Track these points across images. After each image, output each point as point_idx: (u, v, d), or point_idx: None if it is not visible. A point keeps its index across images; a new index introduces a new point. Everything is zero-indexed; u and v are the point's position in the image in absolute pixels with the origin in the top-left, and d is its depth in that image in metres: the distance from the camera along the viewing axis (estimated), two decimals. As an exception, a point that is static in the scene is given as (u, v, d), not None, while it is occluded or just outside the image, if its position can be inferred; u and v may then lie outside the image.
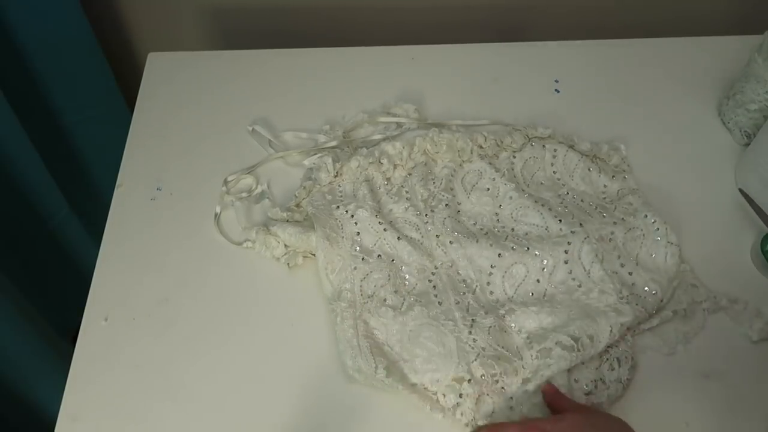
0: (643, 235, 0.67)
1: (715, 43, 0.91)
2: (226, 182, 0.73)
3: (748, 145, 0.78)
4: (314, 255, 0.67)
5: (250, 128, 0.78)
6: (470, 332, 0.61)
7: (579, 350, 0.58)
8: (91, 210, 1.05)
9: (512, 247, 0.66)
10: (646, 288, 0.64)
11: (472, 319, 0.62)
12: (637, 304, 0.62)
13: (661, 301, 0.64)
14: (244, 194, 0.73)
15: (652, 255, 0.66)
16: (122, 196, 0.73)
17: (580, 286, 0.64)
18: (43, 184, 1.00)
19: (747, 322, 0.63)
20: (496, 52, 0.90)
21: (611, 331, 0.59)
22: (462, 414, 0.57)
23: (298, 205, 0.71)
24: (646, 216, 0.68)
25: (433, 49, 0.89)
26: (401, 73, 0.86)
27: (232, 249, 0.69)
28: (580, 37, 0.92)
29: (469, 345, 0.60)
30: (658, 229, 0.67)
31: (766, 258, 0.66)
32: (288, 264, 0.67)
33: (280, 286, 0.66)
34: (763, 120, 0.76)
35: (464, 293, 0.64)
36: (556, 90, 0.85)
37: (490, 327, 0.61)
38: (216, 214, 0.71)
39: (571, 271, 0.65)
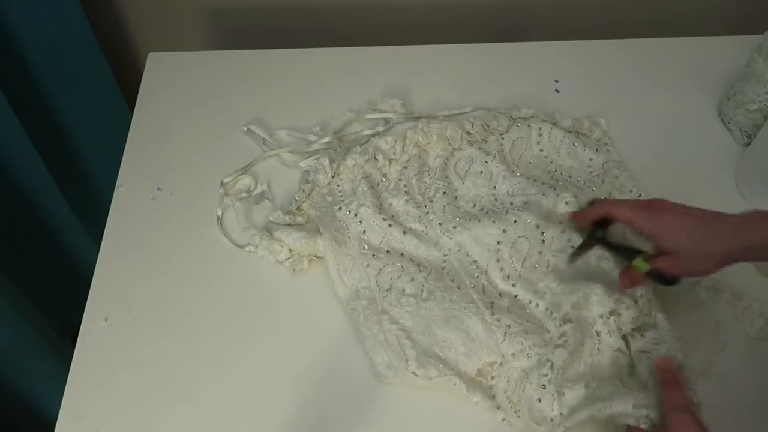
0: None
1: (715, 43, 0.91)
2: (222, 184, 0.73)
3: (748, 145, 0.78)
4: (318, 257, 0.67)
5: (245, 128, 0.78)
6: (492, 312, 0.62)
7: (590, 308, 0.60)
8: (91, 210, 1.05)
9: (514, 221, 0.67)
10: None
11: (491, 302, 0.63)
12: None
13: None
14: (243, 194, 0.73)
15: None
16: (122, 196, 0.73)
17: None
18: (43, 184, 1.00)
19: (747, 320, 0.64)
20: (496, 52, 0.90)
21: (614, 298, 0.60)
22: (493, 397, 0.58)
23: (299, 208, 0.71)
24: (631, 191, 0.71)
25: (432, 49, 0.89)
26: (401, 73, 0.86)
27: (233, 249, 0.69)
28: (580, 37, 0.92)
29: (495, 325, 0.61)
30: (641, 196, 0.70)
31: (766, 258, 0.66)
32: (293, 269, 0.66)
33: (281, 286, 0.66)
34: (763, 120, 0.75)
35: (477, 275, 0.65)
36: (556, 90, 0.85)
37: (509, 306, 0.62)
38: (218, 217, 0.71)
39: (569, 239, 0.66)
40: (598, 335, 0.60)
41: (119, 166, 0.76)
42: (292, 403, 0.59)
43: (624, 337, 0.60)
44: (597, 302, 0.60)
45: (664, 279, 0.57)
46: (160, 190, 0.74)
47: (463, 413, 0.58)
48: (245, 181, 0.75)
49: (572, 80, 0.86)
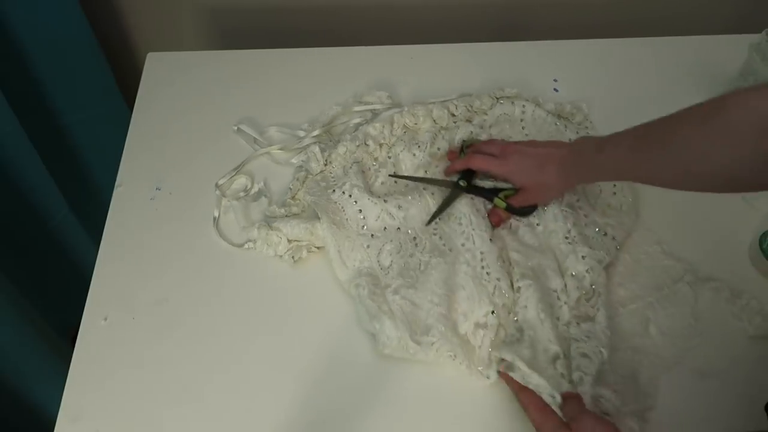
0: (600, 190, 0.72)
1: (714, 42, 0.91)
2: (218, 186, 0.73)
3: (747, 144, 0.78)
4: (318, 248, 0.68)
5: (235, 128, 0.79)
6: (483, 267, 0.64)
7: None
8: (91, 210, 1.05)
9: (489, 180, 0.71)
10: (597, 229, 0.68)
11: (481, 251, 0.65)
12: (584, 246, 0.65)
13: (614, 240, 0.68)
14: (241, 194, 0.73)
15: (608, 204, 0.71)
16: (122, 196, 0.73)
17: (538, 224, 0.69)
18: (43, 184, 1.00)
19: (746, 317, 0.64)
20: (496, 51, 0.90)
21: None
22: (480, 347, 0.61)
23: (294, 198, 0.72)
24: None
25: (432, 49, 0.89)
26: (400, 73, 0.86)
27: (232, 248, 0.69)
28: (580, 36, 0.92)
29: (485, 279, 0.63)
30: (615, 185, 0.72)
31: (764, 256, 0.66)
32: (293, 258, 0.67)
33: (280, 284, 0.66)
34: (761, 119, 0.75)
35: (464, 231, 0.67)
36: (555, 89, 0.85)
37: (498, 257, 0.65)
38: (215, 219, 0.71)
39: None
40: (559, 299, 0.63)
41: (119, 166, 0.76)
42: (292, 402, 0.59)
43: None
44: (552, 276, 0.64)
45: (520, 211, 0.68)
46: (160, 189, 0.74)
47: (465, 405, 0.59)
48: (241, 180, 0.75)
49: (571, 79, 0.86)
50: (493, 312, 0.62)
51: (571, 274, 0.64)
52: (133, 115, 0.81)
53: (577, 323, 0.61)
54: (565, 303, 0.62)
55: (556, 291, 0.63)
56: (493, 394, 0.60)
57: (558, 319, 0.62)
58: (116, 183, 0.74)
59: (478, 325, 0.61)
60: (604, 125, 0.80)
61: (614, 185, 0.72)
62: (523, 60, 0.89)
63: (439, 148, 0.76)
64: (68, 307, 0.86)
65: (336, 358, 0.62)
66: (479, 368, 0.60)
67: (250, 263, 0.68)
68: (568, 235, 0.66)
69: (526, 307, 0.61)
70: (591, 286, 0.63)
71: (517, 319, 0.62)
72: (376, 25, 1.17)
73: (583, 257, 0.64)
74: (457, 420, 0.58)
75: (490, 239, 0.66)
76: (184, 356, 0.62)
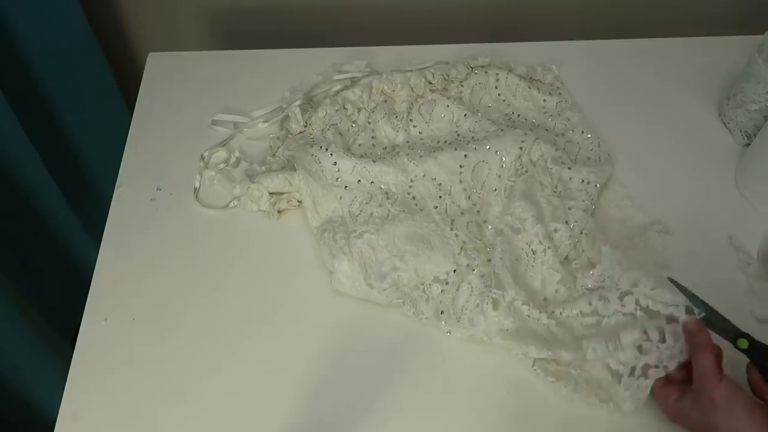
0: (579, 147, 0.76)
1: (715, 43, 0.91)
2: (202, 157, 0.75)
3: (748, 145, 0.78)
4: (300, 203, 0.71)
5: (210, 121, 0.80)
6: (451, 228, 0.68)
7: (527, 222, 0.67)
8: (91, 210, 1.05)
9: (475, 148, 0.72)
10: (581, 180, 0.72)
11: (452, 219, 0.69)
12: (570, 199, 0.70)
13: (597, 188, 0.72)
14: (221, 165, 0.75)
15: (588, 158, 0.76)
16: (122, 196, 0.73)
17: (526, 171, 0.72)
18: (43, 184, 1.00)
19: (757, 304, 0.64)
20: (496, 52, 0.90)
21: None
22: (442, 302, 0.63)
23: (274, 156, 0.75)
24: (582, 132, 0.78)
25: (432, 50, 0.89)
26: (401, 73, 0.86)
27: (233, 248, 0.69)
28: (580, 37, 0.92)
29: (452, 240, 0.67)
30: (592, 141, 0.77)
31: (768, 258, 0.66)
32: (277, 210, 0.70)
33: (283, 284, 0.66)
34: (763, 120, 0.75)
35: (441, 197, 0.71)
36: (556, 90, 0.85)
37: (468, 223, 0.69)
38: (195, 189, 0.73)
39: (522, 165, 0.73)
40: (533, 254, 0.65)
41: (119, 166, 0.76)
42: (293, 403, 0.59)
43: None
44: (531, 223, 0.66)
45: None
46: (160, 190, 0.74)
47: (468, 403, 0.59)
48: (221, 154, 0.77)
49: (572, 81, 0.86)
50: (455, 271, 0.64)
51: (566, 222, 0.67)
52: (133, 115, 0.81)
53: (590, 272, 0.64)
54: (548, 248, 0.65)
55: (538, 236, 0.66)
56: (499, 400, 0.59)
57: (541, 263, 0.65)
58: (117, 183, 0.74)
59: (437, 280, 0.64)
60: (606, 127, 0.80)
61: (591, 141, 0.76)
62: (522, 61, 0.88)
63: (415, 125, 0.77)
64: (68, 307, 0.86)
65: (338, 359, 0.61)
66: (442, 322, 0.63)
67: (251, 265, 0.68)
68: (555, 190, 0.70)
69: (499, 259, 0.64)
70: (581, 232, 0.67)
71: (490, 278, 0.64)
72: (377, 26, 1.17)
73: (569, 208, 0.69)
74: (458, 414, 0.58)
75: (461, 213, 0.69)
76: (185, 356, 0.62)
